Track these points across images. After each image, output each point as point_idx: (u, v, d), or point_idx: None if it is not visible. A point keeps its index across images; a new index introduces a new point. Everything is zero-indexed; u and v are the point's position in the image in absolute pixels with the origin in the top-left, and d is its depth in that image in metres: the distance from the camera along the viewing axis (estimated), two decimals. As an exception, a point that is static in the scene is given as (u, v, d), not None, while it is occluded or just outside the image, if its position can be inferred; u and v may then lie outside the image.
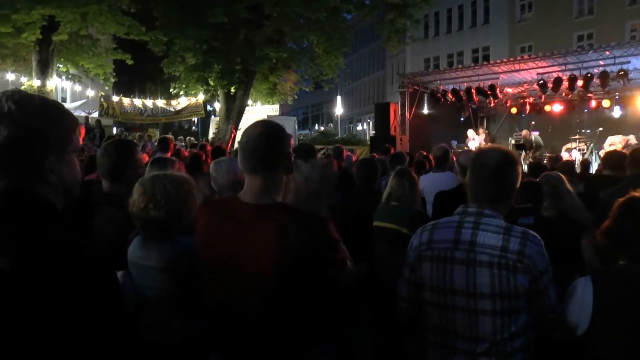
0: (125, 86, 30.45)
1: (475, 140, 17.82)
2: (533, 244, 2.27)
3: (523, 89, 19.11)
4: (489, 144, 13.90)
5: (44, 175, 1.48)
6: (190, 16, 19.10)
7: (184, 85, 22.55)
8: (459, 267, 2.34)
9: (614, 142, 13.50)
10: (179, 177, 2.86)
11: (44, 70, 19.52)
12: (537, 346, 2.41)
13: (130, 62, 20.81)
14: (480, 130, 19.00)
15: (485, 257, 2.29)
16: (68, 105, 24.84)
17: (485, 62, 20.23)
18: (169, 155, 7.01)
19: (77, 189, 1.63)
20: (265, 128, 2.29)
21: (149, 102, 25.23)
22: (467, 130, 19.49)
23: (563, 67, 16.63)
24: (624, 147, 11.95)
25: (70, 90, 26.33)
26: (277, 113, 27.44)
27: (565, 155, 15.10)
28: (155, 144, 13.36)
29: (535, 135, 16.91)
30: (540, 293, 2.29)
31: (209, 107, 28.14)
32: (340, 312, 2.60)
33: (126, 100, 24.41)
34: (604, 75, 15.71)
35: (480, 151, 2.56)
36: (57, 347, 1.30)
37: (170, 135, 8.50)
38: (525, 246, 2.25)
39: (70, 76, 23.79)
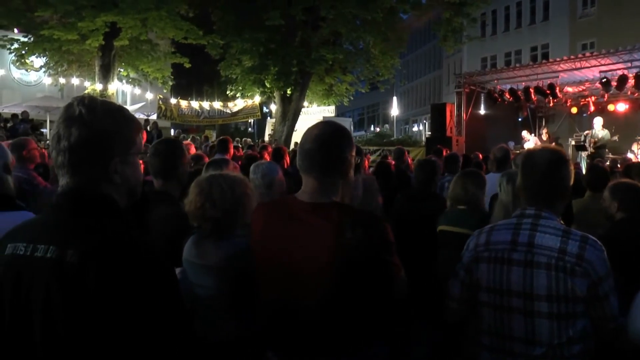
0: (183, 89, 31.12)
1: (530, 141, 17.46)
2: (593, 249, 2.23)
3: (584, 87, 18.59)
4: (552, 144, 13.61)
5: (109, 175, 1.57)
6: (247, 19, 19.39)
7: (240, 88, 22.86)
8: (516, 269, 2.32)
9: None
10: (235, 177, 2.89)
11: (105, 75, 20.15)
12: (599, 354, 2.36)
13: (188, 65, 21.26)
14: (543, 131, 18.59)
15: (543, 259, 2.26)
16: (128, 107, 25.39)
17: (544, 61, 19.75)
18: (228, 157, 7.13)
19: (140, 189, 1.71)
20: (325, 130, 2.29)
21: (205, 104, 25.70)
22: (525, 130, 19.11)
23: (629, 64, 16.02)
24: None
25: (130, 93, 27.06)
26: (333, 114, 27.51)
27: (630, 156, 14.65)
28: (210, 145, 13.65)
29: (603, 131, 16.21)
30: (599, 299, 2.23)
31: (265, 109, 28.45)
32: (394, 314, 2.58)
33: (184, 103, 24.92)
34: (673, 72, 15.13)
35: (529, 152, 2.55)
36: (119, 338, 1.37)
37: (228, 137, 8.64)
38: (584, 250, 2.21)
39: (130, 80, 24.47)
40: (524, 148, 16.65)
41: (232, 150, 7.73)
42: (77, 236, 1.43)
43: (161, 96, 24.63)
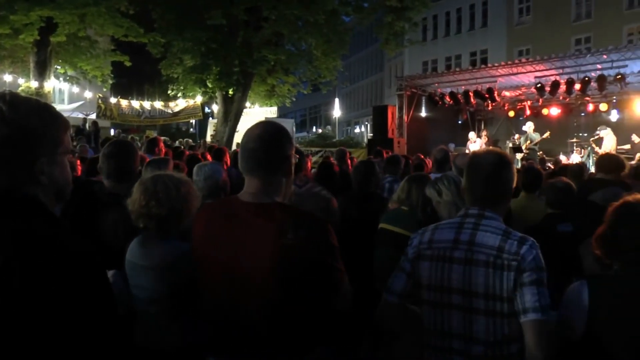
0: (123, 88, 30.51)
1: (476, 142, 17.86)
2: (529, 247, 2.26)
3: (521, 92, 19.17)
4: (490, 147, 13.94)
5: (35, 175, 1.50)
6: (188, 18, 19.10)
7: (182, 87, 22.54)
8: (457, 266, 2.35)
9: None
10: (179, 176, 2.90)
11: (41, 72, 19.54)
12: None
13: (128, 63, 20.84)
14: (482, 134, 19.05)
15: (482, 257, 2.30)
16: (66, 107, 24.90)
17: (483, 65, 20.28)
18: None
19: (69, 189, 1.65)
20: (266, 129, 2.30)
21: (146, 104, 25.27)
22: (464, 133, 19.56)
23: (561, 71, 16.67)
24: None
25: (68, 91, 26.38)
26: (275, 115, 27.45)
27: (563, 158, 15.20)
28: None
29: (534, 134, 16.89)
30: (522, 285, 2.22)
31: (206, 109, 28.13)
32: (340, 316, 2.57)
33: (124, 102, 24.46)
34: (601, 79, 15.78)
35: (474, 155, 2.60)
36: (44, 343, 1.31)
37: (158, 137, 8.53)
38: (521, 248, 2.26)
39: (68, 78, 23.79)
40: (468, 149, 17.04)
41: (164, 150, 7.55)
42: (0, 240, 1.37)
43: (100, 95, 24.09)
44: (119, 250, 2.81)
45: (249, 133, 2.31)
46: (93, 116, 23.58)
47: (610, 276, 2.45)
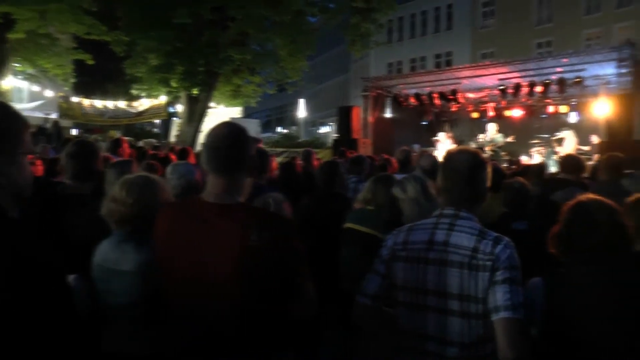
0: (85, 87, 29.88)
1: (445, 143, 18.03)
2: (504, 247, 2.27)
3: (484, 94, 19.40)
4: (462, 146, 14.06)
5: None
6: (153, 17, 18.82)
7: (146, 87, 22.18)
8: (432, 267, 2.35)
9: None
10: (153, 177, 2.89)
11: (-1, 70, 19.04)
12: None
13: (91, 62, 20.41)
14: (447, 135, 19.23)
15: (457, 257, 2.30)
16: (25, 106, 24.32)
17: (447, 67, 20.51)
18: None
19: (28, 190, 1.60)
20: (233, 129, 2.30)
21: (110, 104, 24.85)
22: (429, 133, 19.75)
23: (523, 74, 16.93)
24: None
25: (27, 90, 25.73)
26: (240, 115, 27.31)
27: (525, 159, 15.49)
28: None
29: (497, 135, 17.21)
30: (495, 283, 2.22)
31: (171, 109, 27.81)
32: (301, 321, 2.56)
33: (86, 102, 24.00)
34: (561, 82, 16.15)
35: (450, 154, 2.58)
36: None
37: (121, 137, 8.39)
38: (495, 247, 2.26)
39: (27, 76, 23.23)
40: (437, 149, 17.21)
41: (128, 151, 7.44)
42: None
43: (62, 94, 23.60)
44: (85, 253, 2.75)
45: (215, 133, 2.30)
46: (54, 115, 23.12)
47: (565, 273, 2.48)
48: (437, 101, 18.95)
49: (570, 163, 5.88)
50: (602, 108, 14.52)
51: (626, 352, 2.30)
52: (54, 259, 1.43)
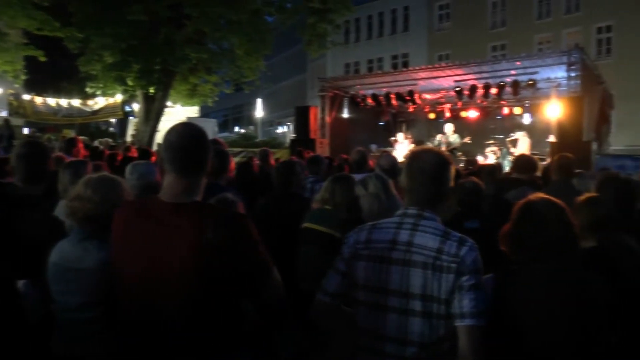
0: (38, 84, 29.18)
1: (403, 143, 18.19)
2: (468, 249, 2.28)
3: (441, 95, 19.63)
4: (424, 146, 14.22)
5: None
6: (107, 13, 18.47)
7: (101, 85, 21.69)
8: (395, 267, 2.34)
9: None
10: (113, 177, 2.87)
11: (-59, 66, 18.42)
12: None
13: (43, 58, 19.93)
14: (404, 135, 19.41)
15: (420, 258, 2.29)
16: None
17: (404, 69, 20.66)
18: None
19: None
20: (195, 129, 2.32)
21: (63, 102, 24.34)
22: (386, 134, 19.93)
23: (478, 76, 17.22)
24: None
25: (-27, 88, 25.01)
26: (197, 115, 27.05)
27: (480, 159, 15.76)
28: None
29: (453, 135, 17.51)
30: (461, 289, 2.24)
31: (127, 108, 27.37)
32: (260, 318, 2.54)
33: (39, 99, 23.47)
34: (515, 84, 16.47)
35: (414, 154, 2.56)
36: None
37: (76, 137, 8.19)
38: (460, 249, 2.27)
39: (-26, 72, 22.57)
40: (395, 149, 17.36)
41: (82, 151, 7.27)
42: None
43: (12, 91, 22.98)
44: (37, 255, 2.68)
45: (177, 133, 2.29)
46: (4, 114, 22.50)
47: (515, 271, 2.53)
48: (394, 102, 19.10)
49: (522, 163, 6.01)
50: (554, 110, 14.85)
51: (569, 348, 2.36)
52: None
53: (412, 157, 2.54)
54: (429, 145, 17.46)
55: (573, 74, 14.05)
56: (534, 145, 16.31)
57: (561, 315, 2.37)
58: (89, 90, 22.69)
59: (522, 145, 15.97)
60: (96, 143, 17.49)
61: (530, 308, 2.39)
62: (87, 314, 2.55)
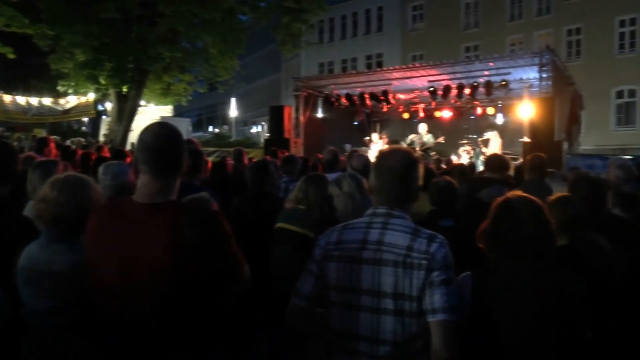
0: (6, 82, 28.68)
1: (378, 143, 18.24)
2: (439, 245, 2.29)
3: (415, 95, 19.73)
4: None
5: None
6: (78, 10, 18.20)
7: (73, 83, 21.35)
8: (366, 267, 2.34)
9: None
10: (84, 177, 2.81)
11: None
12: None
13: (12, 56, 19.55)
14: (379, 135, 19.47)
15: (391, 256, 2.30)
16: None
17: (378, 69, 20.72)
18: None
19: None
20: (171, 130, 2.30)
21: (34, 100, 23.92)
22: (360, 134, 19.97)
23: (452, 76, 17.34)
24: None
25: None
26: (171, 114, 26.85)
27: (454, 159, 15.89)
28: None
29: (427, 135, 17.63)
30: (432, 284, 2.25)
31: (100, 107, 27.05)
32: (232, 318, 2.53)
33: (7, 98, 23.05)
34: (488, 85, 16.62)
35: (382, 154, 2.57)
36: None
37: (47, 136, 8.06)
38: (430, 246, 2.28)
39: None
40: (370, 149, 17.40)
41: (54, 151, 7.14)
42: None
43: (-21, 89, 22.57)
44: (5, 257, 2.62)
45: (153, 133, 2.27)
46: (-29, 112, 22.13)
47: (493, 268, 2.55)
48: (368, 102, 19.17)
49: (494, 162, 6.06)
50: (526, 110, 15.02)
51: (547, 344, 2.39)
52: None
53: (380, 157, 2.56)
54: (403, 144, 17.60)
55: (544, 75, 14.22)
56: (507, 145, 16.49)
57: (539, 312, 2.40)
58: (60, 88, 22.34)
59: (494, 144, 16.14)
60: (68, 142, 17.26)
61: (508, 305, 2.41)
62: (58, 319, 2.49)
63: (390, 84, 18.46)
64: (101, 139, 23.56)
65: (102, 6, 17.40)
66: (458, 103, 19.18)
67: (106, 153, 9.07)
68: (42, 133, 23.84)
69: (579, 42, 32.87)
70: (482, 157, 15.66)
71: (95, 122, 32.31)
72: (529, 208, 2.54)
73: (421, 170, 2.53)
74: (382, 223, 2.40)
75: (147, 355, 2.14)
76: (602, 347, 2.81)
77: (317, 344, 2.59)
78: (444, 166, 11.90)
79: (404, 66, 19.15)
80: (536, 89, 15.35)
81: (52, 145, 7.11)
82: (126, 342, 2.16)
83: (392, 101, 19.38)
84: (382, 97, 18.65)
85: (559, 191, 3.90)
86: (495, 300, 2.43)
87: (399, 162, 2.45)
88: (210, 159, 8.87)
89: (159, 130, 2.27)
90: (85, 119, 34.00)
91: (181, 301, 2.10)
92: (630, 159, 8.82)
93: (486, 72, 16.53)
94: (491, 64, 16.19)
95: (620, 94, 31.95)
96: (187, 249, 2.07)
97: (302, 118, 18.97)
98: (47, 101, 24.12)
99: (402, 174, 2.43)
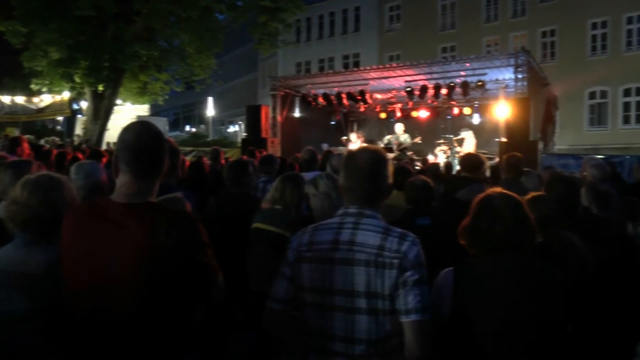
0: (-23, 80, 28.22)
1: (357, 143, 18.26)
2: (410, 244, 2.31)
3: (392, 95, 19.80)
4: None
5: None
6: (53, 7, 17.94)
7: (47, 82, 21.03)
8: (339, 267, 2.35)
9: None
10: (57, 176, 2.75)
11: None
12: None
13: (-18, 53, 19.26)
14: (357, 135, 19.51)
15: (363, 256, 2.31)
16: None
17: (355, 68, 20.76)
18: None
19: None
20: (153, 130, 2.27)
21: (6, 99, 23.50)
22: (337, 133, 19.98)
23: (429, 76, 17.42)
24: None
25: None
26: (147, 113, 26.65)
27: (431, 158, 16.00)
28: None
29: (404, 135, 17.71)
30: (405, 284, 2.26)
31: (75, 106, 26.69)
32: (208, 320, 2.51)
33: (-22, 96, 22.63)
34: (464, 85, 16.74)
35: (351, 153, 2.59)
36: None
37: (20, 136, 7.93)
38: (401, 245, 2.29)
39: None
40: (349, 149, 17.35)
41: (27, 150, 7.03)
42: None
43: (-52, 87, 22.14)
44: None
45: (135, 133, 2.24)
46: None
47: (474, 264, 2.58)
48: (345, 101, 19.19)
49: (469, 162, 6.11)
50: (502, 110, 15.15)
51: (528, 338, 2.43)
52: None
53: (350, 156, 2.57)
54: (380, 144, 17.67)
55: (520, 76, 14.38)
56: (483, 145, 16.65)
57: (520, 304, 2.43)
58: (34, 87, 21.99)
59: (469, 144, 16.28)
60: (42, 142, 17.01)
61: (490, 300, 2.45)
62: (31, 324, 2.43)
63: (367, 84, 18.50)
64: (75, 138, 23.28)
65: (78, 3, 17.18)
66: (435, 103, 19.27)
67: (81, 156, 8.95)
68: (14, 132, 23.45)
69: (554, 44, 33.35)
70: (457, 156, 15.78)
71: (70, 122, 31.89)
72: (509, 203, 2.58)
73: (390, 168, 2.54)
74: (354, 223, 2.40)
75: (121, 358, 2.11)
76: (581, 340, 2.86)
77: (294, 346, 2.58)
78: (419, 166, 11.95)
79: (381, 66, 19.22)
80: (512, 89, 15.50)
81: (25, 144, 7.01)
82: (100, 347, 2.13)
83: (370, 101, 19.43)
84: (359, 97, 18.70)
85: (534, 190, 3.95)
86: (476, 295, 2.46)
87: (367, 161, 2.45)
88: (187, 159, 8.83)
89: (142, 130, 2.25)
90: (60, 118, 33.53)
91: (155, 305, 2.08)
92: (602, 158, 8.94)
93: (463, 73, 16.65)
94: (467, 64, 16.32)
95: (592, 95, 32.50)
96: (161, 252, 2.05)
97: (279, 117, 18.94)
98: (20, 99, 23.71)
99: (371, 172, 2.44)
